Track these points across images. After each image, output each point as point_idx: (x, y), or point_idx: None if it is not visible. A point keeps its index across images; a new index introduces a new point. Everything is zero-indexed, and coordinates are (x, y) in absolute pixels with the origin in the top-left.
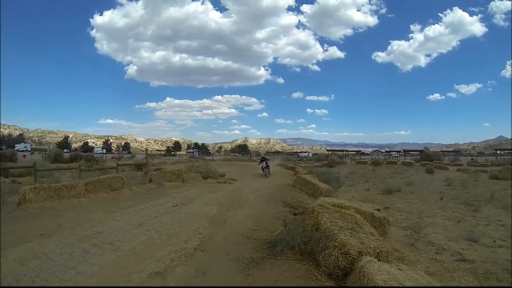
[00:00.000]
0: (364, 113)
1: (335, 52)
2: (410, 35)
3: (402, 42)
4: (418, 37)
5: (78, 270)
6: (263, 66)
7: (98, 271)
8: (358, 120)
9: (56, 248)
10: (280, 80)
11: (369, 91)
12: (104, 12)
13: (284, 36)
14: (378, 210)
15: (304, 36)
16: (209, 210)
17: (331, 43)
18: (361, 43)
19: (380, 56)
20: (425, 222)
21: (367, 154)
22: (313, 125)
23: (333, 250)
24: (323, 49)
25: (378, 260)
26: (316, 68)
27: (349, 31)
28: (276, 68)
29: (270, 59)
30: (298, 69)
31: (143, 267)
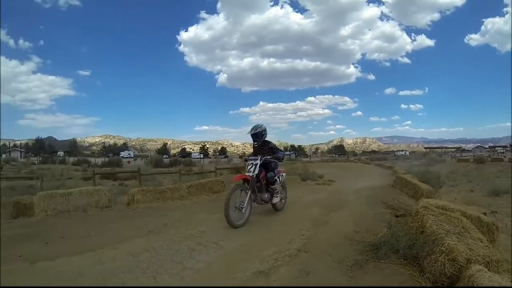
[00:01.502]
0: (463, 105)
1: (424, 41)
2: (505, 9)
3: (497, 19)
4: None
5: (185, 265)
6: (352, 64)
7: (204, 267)
8: (456, 113)
9: (164, 244)
10: (371, 77)
11: (466, 80)
12: (188, 28)
13: (369, 30)
14: (485, 214)
15: (389, 27)
16: (310, 211)
17: (418, 31)
18: (450, 26)
19: (473, 39)
20: None
21: (469, 150)
22: (409, 122)
23: (440, 256)
24: (410, 39)
25: (487, 270)
26: (406, 60)
27: (436, 16)
28: (365, 64)
29: (358, 56)
30: (387, 64)
31: (247, 266)
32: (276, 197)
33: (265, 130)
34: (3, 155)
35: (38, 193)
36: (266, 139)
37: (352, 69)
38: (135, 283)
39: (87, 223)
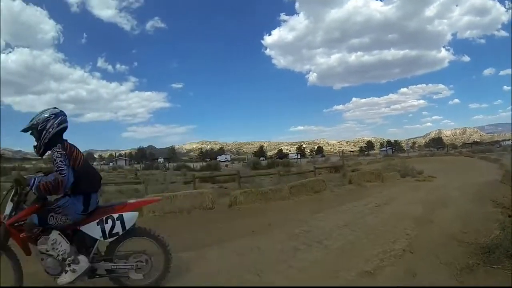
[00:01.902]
0: None
1: None
2: None
3: None
4: None
5: (290, 264)
6: (443, 47)
7: (308, 266)
8: None
9: (268, 244)
10: (466, 58)
11: None
12: (271, 31)
13: (456, 6)
14: None
15: None
16: (413, 209)
17: None
18: None
19: None
20: None
21: None
22: None
23: None
24: (505, 7)
25: None
26: (503, 33)
27: None
28: (458, 45)
29: (448, 37)
30: (482, 41)
31: (352, 266)
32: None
33: (49, 119)
34: (111, 164)
35: (145, 196)
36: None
37: (443, 53)
38: (240, 281)
39: (192, 223)
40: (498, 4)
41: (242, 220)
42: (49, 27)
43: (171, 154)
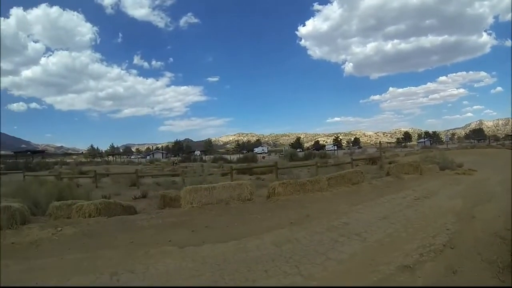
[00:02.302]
0: None
1: None
2: None
3: None
4: None
5: (328, 256)
6: (485, 31)
7: (347, 258)
8: None
9: (306, 235)
10: (509, 43)
11: None
12: (305, 22)
13: None
14: None
15: None
16: (453, 204)
17: None
18: None
19: None
20: None
21: None
22: None
23: None
24: None
25: None
26: None
27: None
28: (500, 28)
29: (490, 20)
30: None
31: (391, 259)
32: None
33: None
34: (148, 157)
35: (184, 187)
36: None
37: (485, 37)
38: (278, 271)
39: (230, 214)
40: None
41: (280, 211)
42: (86, 30)
43: (208, 146)
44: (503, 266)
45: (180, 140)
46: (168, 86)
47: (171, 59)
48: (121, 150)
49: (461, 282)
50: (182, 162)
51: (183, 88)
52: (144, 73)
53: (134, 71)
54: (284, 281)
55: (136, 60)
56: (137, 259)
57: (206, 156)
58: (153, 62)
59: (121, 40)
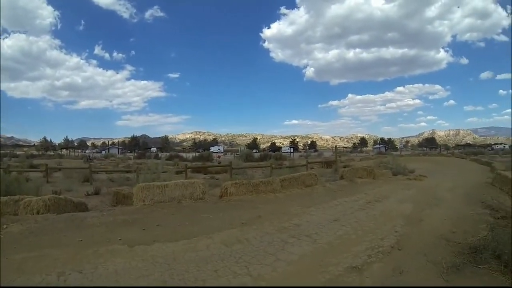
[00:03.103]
0: None
1: None
2: None
3: None
4: None
5: (278, 257)
6: (442, 48)
7: (296, 259)
8: None
9: (257, 236)
10: (464, 61)
11: None
12: (271, 24)
13: (458, 7)
14: None
15: (481, 1)
16: (403, 208)
17: None
18: None
19: None
20: None
21: None
22: (508, 110)
23: None
24: (506, 12)
25: None
26: (503, 38)
27: None
28: (457, 47)
29: (448, 38)
30: (481, 44)
31: (340, 261)
32: None
33: None
34: (103, 152)
35: (136, 184)
36: None
37: (442, 54)
38: (227, 271)
39: (182, 213)
40: (499, 9)
41: (232, 212)
42: (47, 13)
43: (164, 143)
44: (447, 266)
45: (137, 135)
46: (128, 79)
47: (133, 52)
48: (76, 144)
49: (407, 282)
50: (137, 158)
51: (143, 82)
52: (104, 64)
53: (94, 62)
54: (234, 281)
55: (97, 50)
56: (85, 258)
57: (162, 153)
58: (115, 54)
59: (83, 27)
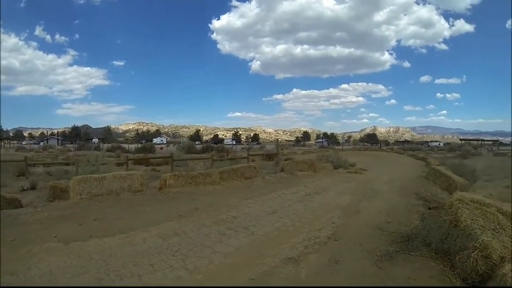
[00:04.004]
0: (503, 96)
1: (463, 26)
2: None
3: None
4: None
5: (214, 249)
6: (387, 51)
7: (233, 251)
8: (495, 104)
9: (194, 228)
10: (406, 64)
11: (507, 68)
12: (221, 16)
13: (405, 15)
14: None
15: (426, 12)
16: (342, 200)
17: (457, 16)
18: (492, 10)
19: None
20: None
21: (507, 144)
22: (444, 112)
23: (473, 252)
24: (448, 24)
25: None
26: (444, 47)
27: None
28: (401, 51)
29: (393, 42)
30: (424, 50)
31: (277, 252)
32: None
33: None
34: (41, 143)
35: (73, 177)
36: None
37: (386, 56)
38: (164, 265)
39: (119, 206)
40: (443, 20)
41: (171, 204)
42: None
43: (107, 134)
44: (381, 254)
45: (78, 126)
46: (70, 65)
47: (77, 35)
48: (11, 134)
49: (342, 271)
50: (78, 150)
51: (86, 69)
52: (45, 47)
53: (34, 44)
54: (170, 275)
55: (38, 31)
56: (18, 259)
57: (104, 145)
58: (57, 36)
59: (24, 5)
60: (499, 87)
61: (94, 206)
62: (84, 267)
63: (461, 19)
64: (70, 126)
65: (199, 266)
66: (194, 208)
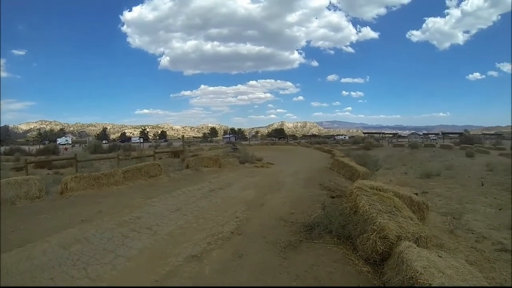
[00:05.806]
0: (401, 95)
1: (369, 33)
2: (446, 11)
3: (438, 19)
4: (455, 12)
5: (117, 253)
6: (297, 50)
7: (136, 254)
8: (394, 102)
9: (96, 233)
10: (314, 63)
11: (405, 72)
12: (132, 7)
13: (316, 18)
14: (416, 194)
15: (336, 17)
16: (246, 194)
17: (364, 23)
18: (395, 22)
19: (415, 35)
20: (465, 208)
21: (404, 136)
22: (349, 108)
23: (371, 234)
24: (356, 30)
25: (417, 245)
26: (350, 50)
27: (382, 10)
28: (310, 51)
29: (303, 43)
30: (332, 52)
31: (180, 251)
32: None
33: None
34: None
35: None
36: None
37: (296, 55)
38: (65, 277)
39: (15, 216)
40: (351, 26)
41: (72, 209)
42: None
43: (5, 135)
44: (284, 245)
45: None
46: None
47: None
48: None
49: (246, 265)
50: None
51: None
52: None
53: None
54: None
55: None
56: None
57: (2, 147)
58: None
59: None
60: (398, 88)
61: None
62: None
63: (367, 27)
64: None
65: (102, 274)
66: (97, 212)
